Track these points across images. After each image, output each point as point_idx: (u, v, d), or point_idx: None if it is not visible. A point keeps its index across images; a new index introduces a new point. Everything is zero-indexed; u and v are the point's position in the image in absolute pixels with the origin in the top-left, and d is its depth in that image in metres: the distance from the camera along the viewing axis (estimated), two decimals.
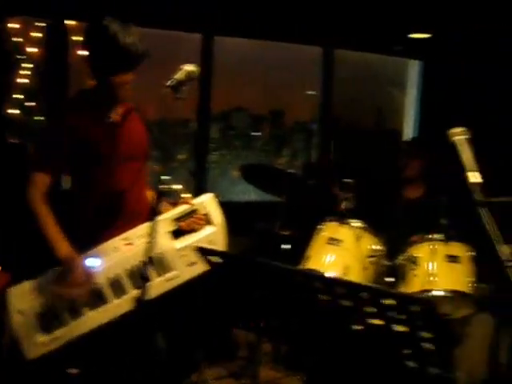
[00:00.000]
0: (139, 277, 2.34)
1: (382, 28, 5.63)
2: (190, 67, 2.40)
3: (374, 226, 3.53)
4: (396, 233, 3.80)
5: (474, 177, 2.38)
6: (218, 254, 2.05)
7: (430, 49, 6.30)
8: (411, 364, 1.46)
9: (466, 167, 2.44)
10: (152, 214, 2.29)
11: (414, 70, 6.83)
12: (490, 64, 5.77)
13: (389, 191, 4.26)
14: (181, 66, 2.40)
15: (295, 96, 6.32)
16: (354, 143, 6.50)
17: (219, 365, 4.01)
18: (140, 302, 2.21)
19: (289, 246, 4.20)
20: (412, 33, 5.87)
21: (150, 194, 2.81)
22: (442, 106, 6.15)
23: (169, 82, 2.33)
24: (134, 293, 2.45)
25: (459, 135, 2.54)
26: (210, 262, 2.11)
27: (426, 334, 1.38)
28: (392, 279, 3.46)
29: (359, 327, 1.61)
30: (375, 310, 1.53)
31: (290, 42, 6.01)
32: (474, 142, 2.51)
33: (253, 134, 6.39)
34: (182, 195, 4.10)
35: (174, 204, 2.75)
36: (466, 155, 2.47)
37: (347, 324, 1.64)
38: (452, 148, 2.50)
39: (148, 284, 2.26)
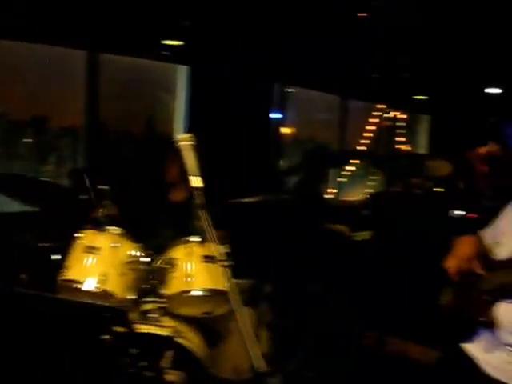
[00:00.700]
0: None
1: (141, 33, 5.66)
2: None
3: (139, 232, 3.54)
4: (160, 236, 3.85)
5: (196, 181, 2.51)
6: None
7: (193, 55, 6.48)
8: (131, 370, 1.49)
9: (189, 172, 2.57)
10: None
11: (182, 74, 6.96)
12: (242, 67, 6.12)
13: (154, 195, 4.30)
14: None
15: (60, 101, 6.08)
16: (122, 148, 6.45)
17: None
18: None
19: (59, 257, 4.04)
20: (167, 39, 5.97)
21: None
22: (209, 110, 6.37)
23: None
24: None
25: (185, 141, 2.68)
26: None
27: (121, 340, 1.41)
28: (159, 282, 3.49)
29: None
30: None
31: (53, 45, 5.78)
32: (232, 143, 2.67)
33: (24, 140, 6.04)
34: None
35: None
36: (190, 160, 2.60)
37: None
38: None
39: None
